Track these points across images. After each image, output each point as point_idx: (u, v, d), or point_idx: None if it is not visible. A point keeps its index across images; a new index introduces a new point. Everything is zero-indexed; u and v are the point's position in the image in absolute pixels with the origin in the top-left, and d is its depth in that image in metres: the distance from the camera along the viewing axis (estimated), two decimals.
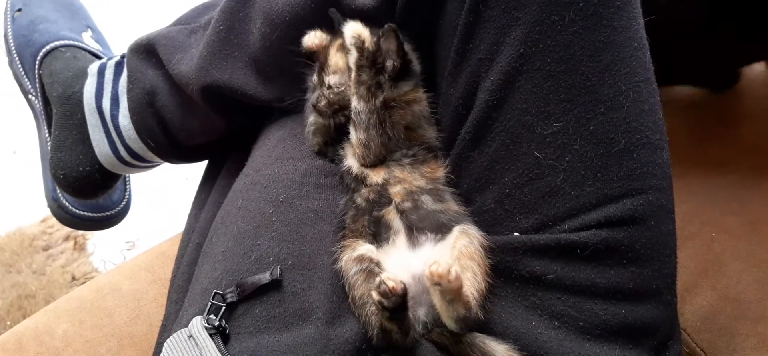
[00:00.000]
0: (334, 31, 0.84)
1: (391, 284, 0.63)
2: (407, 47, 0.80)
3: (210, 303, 0.72)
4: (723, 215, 1.02)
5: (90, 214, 1.23)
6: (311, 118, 0.85)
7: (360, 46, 0.77)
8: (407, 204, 0.76)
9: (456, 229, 0.73)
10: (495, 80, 0.73)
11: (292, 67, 0.85)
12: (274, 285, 0.72)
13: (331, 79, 0.82)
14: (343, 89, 0.81)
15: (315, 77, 0.83)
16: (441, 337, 0.70)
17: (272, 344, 0.68)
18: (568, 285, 0.70)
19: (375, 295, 0.65)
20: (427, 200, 0.76)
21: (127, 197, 1.31)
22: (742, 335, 0.93)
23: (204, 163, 1.12)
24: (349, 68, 0.80)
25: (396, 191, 0.77)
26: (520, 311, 0.71)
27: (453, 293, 0.65)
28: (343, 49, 0.81)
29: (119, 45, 1.17)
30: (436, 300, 0.68)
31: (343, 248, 0.75)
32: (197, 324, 0.69)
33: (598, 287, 0.69)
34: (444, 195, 0.77)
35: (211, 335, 0.68)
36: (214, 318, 0.70)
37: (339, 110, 0.81)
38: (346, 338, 0.69)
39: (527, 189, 0.72)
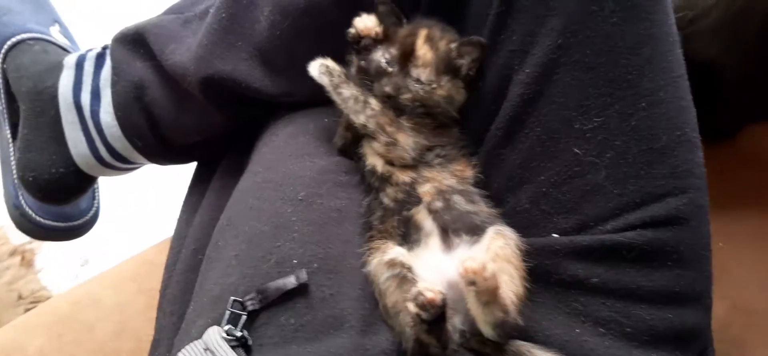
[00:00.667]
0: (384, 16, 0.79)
1: (430, 295, 0.58)
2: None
3: (228, 312, 0.64)
4: (728, 224, 1.01)
5: (56, 223, 1.12)
6: (371, 108, 0.76)
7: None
8: (438, 204, 0.71)
9: (490, 230, 0.68)
10: (530, 73, 0.69)
11: (303, 59, 0.80)
12: (300, 291, 0.65)
13: (423, 74, 0.76)
14: (434, 86, 0.76)
15: (386, 65, 0.77)
16: (481, 346, 0.65)
17: (302, 355, 0.61)
18: (613, 289, 0.66)
19: (412, 307, 0.59)
20: (459, 201, 0.71)
21: (95, 205, 1.21)
22: (755, 345, 0.92)
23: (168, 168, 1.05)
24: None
25: (425, 190, 0.72)
26: (562, 317, 0.67)
27: (489, 294, 0.61)
28: (431, 41, 0.76)
29: (86, 43, 1.09)
30: (472, 303, 0.63)
31: (372, 251, 0.69)
32: (215, 336, 0.62)
33: (645, 290, 0.65)
34: (473, 196, 0.73)
35: (233, 347, 0.61)
36: (234, 328, 0.63)
37: (421, 106, 0.76)
38: (383, 348, 0.63)
39: (566, 188, 0.68)
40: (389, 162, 0.75)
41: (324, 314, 0.64)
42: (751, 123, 1.05)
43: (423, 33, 0.76)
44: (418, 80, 0.75)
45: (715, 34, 0.98)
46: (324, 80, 0.74)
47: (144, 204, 1.90)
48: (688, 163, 0.66)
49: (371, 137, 0.75)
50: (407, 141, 0.74)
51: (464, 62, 0.75)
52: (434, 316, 0.59)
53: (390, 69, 0.76)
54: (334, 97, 0.75)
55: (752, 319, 0.93)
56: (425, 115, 0.76)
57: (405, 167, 0.74)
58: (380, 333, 0.65)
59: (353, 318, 0.65)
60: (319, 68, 0.75)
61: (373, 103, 0.75)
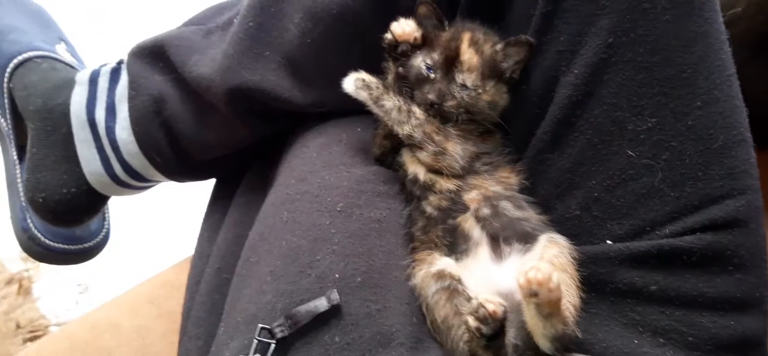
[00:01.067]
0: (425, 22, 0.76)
1: (491, 307, 0.56)
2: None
3: (255, 341, 0.61)
4: None
5: (66, 246, 1.08)
6: (415, 117, 0.73)
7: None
8: (486, 211, 0.68)
9: (543, 238, 0.65)
10: (579, 74, 0.67)
11: (335, 67, 0.77)
12: (335, 311, 0.62)
13: (468, 79, 0.73)
14: (480, 92, 0.73)
15: (424, 70, 0.74)
16: None
17: None
18: (672, 296, 0.63)
19: (472, 321, 0.56)
20: (508, 207, 0.68)
21: (106, 226, 1.17)
22: None
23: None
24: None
25: (471, 197, 0.69)
26: (619, 328, 0.64)
27: (551, 305, 0.57)
28: (475, 44, 0.73)
29: (91, 62, 1.05)
30: (530, 315, 0.59)
31: (417, 263, 0.66)
32: None
33: (706, 297, 0.62)
34: (521, 202, 0.70)
35: None
36: None
37: (465, 112, 0.73)
38: None
39: (619, 192, 0.66)
40: (436, 171, 0.72)
41: (371, 331, 0.61)
42: None
43: (466, 36, 0.73)
44: (463, 86, 0.73)
45: (742, 45, 0.97)
46: (362, 95, 0.71)
47: (143, 228, 1.85)
48: (745, 164, 0.64)
49: (418, 147, 0.72)
50: (456, 149, 0.71)
51: (508, 65, 0.73)
52: (494, 330, 0.56)
53: (432, 75, 0.73)
54: (376, 110, 0.72)
55: None
56: (469, 121, 0.73)
57: (452, 175, 0.72)
58: (430, 349, 0.62)
59: (402, 334, 0.61)
60: (355, 83, 0.72)
61: (417, 112, 0.72)
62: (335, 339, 0.60)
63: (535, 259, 0.64)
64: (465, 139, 0.72)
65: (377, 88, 0.72)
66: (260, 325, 0.61)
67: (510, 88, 0.75)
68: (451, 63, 0.73)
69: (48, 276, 1.84)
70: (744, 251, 0.63)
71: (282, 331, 0.61)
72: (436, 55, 0.73)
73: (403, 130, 0.71)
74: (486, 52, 0.73)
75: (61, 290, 1.84)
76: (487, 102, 0.73)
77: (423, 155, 0.72)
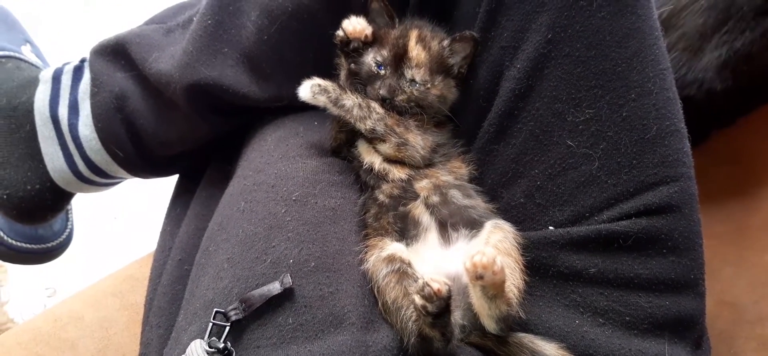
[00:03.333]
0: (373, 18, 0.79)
1: (436, 286, 0.58)
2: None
3: (211, 324, 0.62)
4: (709, 223, 1.03)
5: (29, 245, 1.08)
6: (376, 111, 0.75)
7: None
8: (435, 198, 0.70)
9: (488, 224, 0.68)
10: (521, 68, 0.70)
11: (291, 63, 0.79)
12: (288, 294, 0.64)
13: (417, 74, 0.75)
14: (428, 86, 0.76)
15: (374, 66, 0.76)
16: (482, 340, 0.64)
17: (304, 355, 0.59)
18: (610, 278, 0.66)
19: (418, 300, 0.58)
20: (456, 195, 0.71)
21: (69, 227, 1.17)
22: (742, 338, 0.93)
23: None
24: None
25: (422, 185, 0.72)
26: (561, 310, 0.67)
27: (496, 287, 0.60)
28: (423, 41, 0.76)
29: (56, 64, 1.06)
30: (476, 297, 0.62)
31: (369, 248, 0.68)
32: (197, 350, 0.60)
33: (642, 278, 0.66)
34: (470, 191, 0.72)
35: None
36: (217, 339, 0.61)
37: (416, 106, 0.76)
38: (384, 344, 0.62)
39: (560, 180, 0.69)
40: (397, 161, 0.74)
41: (323, 312, 0.63)
42: (718, 129, 1.07)
43: (414, 33, 0.76)
44: (412, 81, 0.75)
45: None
46: (321, 100, 0.73)
47: (109, 231, 1.85)
48: (678, 152, 0.68)
49: (380, 139, 0.74)
50: (417, 140, 0.74)
51: (456, 60, 0.76)
52: (440, 308, 0.58)
53: (382, 72, 0.76)
54: (337, 111, 0.74)
55: (738, 313, 0.94)
56: (422, 114, 0.75)
57: (413, 165, 0.74)
58: (381, 329, 0.64)
59: (353, 315, 0.63)
60: (311, 90, 0.73)
61: (377, 106, 0.74)
62: (289, 320, 0.62)
63: (481, 244, 0.66)
64: (424, 130, 0.75)
65: (334, 90, 0.73)
66: (215, 309, 0.63)
67: (459, 82, 0.77)
68: (400, 59, 0.75)
69: (16, 281, 1.83)
70: (678, 235, 0.66)
71: (236, 314, 0.62)
72: (385, 52, 0.76)
73: (366, 125, 0.73)
74: (433, 49, 0.75)
75: (29, 293, 1.83)
76: (436, 96, 0.76)
77: (385, 147, 0.75)
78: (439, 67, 0.76)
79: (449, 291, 0.59)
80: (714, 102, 0.95)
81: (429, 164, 0.74)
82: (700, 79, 0.94)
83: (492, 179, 0.73)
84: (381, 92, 0.75)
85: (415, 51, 0.75)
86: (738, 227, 1.01)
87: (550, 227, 0.69)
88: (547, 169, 0.69)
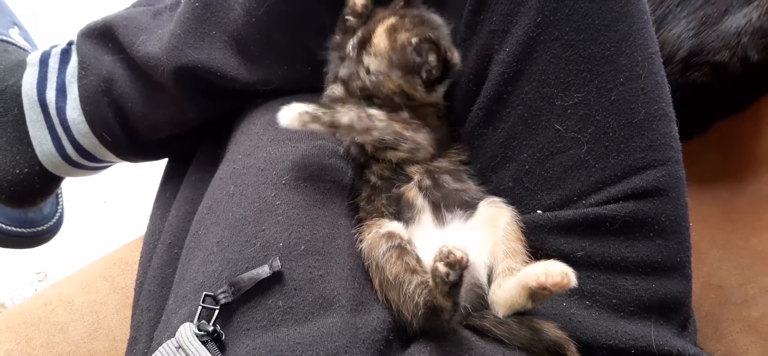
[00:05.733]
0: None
1: (459, 253, 0.57)
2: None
3: (200, 307, 0.63)
4: (697, 206, 1.04)
5: (19, 229, 1.08)
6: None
7: None
8: (427, 181, 0.71)
9: (482, 204, 0.69)
10: (510, 51, 0.70)
11: (280, 46, 0.78)
12: (278, 277, 0.64)
13: (372, 63, 0.74)
14: (382, 78, 0.74)
15: (351, 50, 0.75)
16: (482, 321, 0.65)
17: (294, 337, 0.60)
18: (597, 261, 0.67)
19: (442, 267, 0.57)
20: (448, 180, 0.71)
21: (59, 211, 1.17)
22: (728, 320, 0.94)
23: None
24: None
25: (414, 168, 0.72)
26: None
27: (548, 295, 0.60)
28: (392, 31, 0.73)
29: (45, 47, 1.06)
30: (514, 295, 0.62)
31: (365, 229, 0.68)
32: (186, 333, 0.60)
33: (628, 262, 0.66)
34: (462, 176, 0.73)
35: (204, 342, 0.60)
36: (207, 323, 0.62)
37: (371, 96, 0.75)
38: (374, 326, 0.63)
39: (549, 164, 0.69)
40: (414, 162, 0.73)
41: (313, 295, 0.63)
42: (718, 121, 1.08)
43: (388, 21, 0.74)
44: (367, 69, 0.74)
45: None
46: (314, 127, 0.69)
47: (101, 215, 1.85)
48: (666, 136, 0.68)
49: (391, 147, 0.72)
50: (426, 138, 0.73)
51: (421, 60, 0.71)
52: (458, 277, 0.57)
53: (351, 54, 0.75)
54: (336, 132, 0.71)
55: (724, 296, 0.95)
56: (416, 108, 0.74)
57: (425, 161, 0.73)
58: (371, 311, 0.65)
59: (343, 297, 0.64)
60: (300, 119, 0.68)
61: (376, 113, 0.72)
62: (278, 303, 0.62)
63: (481, 224, 0.67)
64: (425, 125, 0.74)
65: (324, 112, 0.69)
66: (205, 293, 0.63)
67: (432, 85, 0.74)
68: (363, 44, 0.74)
69: (6, 265, 1.83)
70: (665, 218, 0.67)
71: (226, 297, 0.63)
72: (360, 34, 0.75)
73: (373, 136, 0.71)
74: (398, 41, 0.73)
75: (19, 278, 1.82)
76: (391, 90, 0.74)
77: (396, 153, 0.73)
78: (401, 62, 0.73)
79: (468, 259, 0.58)
80: (749, 71, 0.92)
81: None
82: (733, 45, 0.92)
83: (481, 163, 0.74)
84: (341, 73, 0.74)
85: (378, 39, 0.73)
86: (725, 210, 1.02)
87: (538, 211, 0.69)
88: (535, 153, 0.70)
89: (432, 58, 0.71)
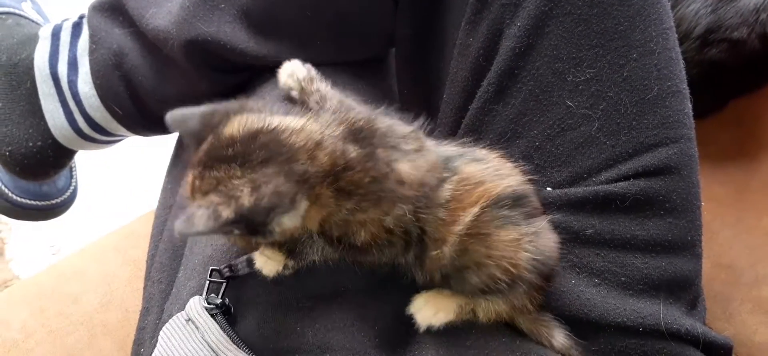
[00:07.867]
0: None
1: None
2: None
3: (207, 282, 0.63)
4: (709, 185, 1.03)
5: (34, 202, 1.09)
6: None
7: None
8: None
9: None
10: (522, 26, 0.69)
11: (289, 23, 0.78)
12: None
13: None
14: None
15: None
16: None
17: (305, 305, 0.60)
18: (607, 239, 0.66)
19: None
20: None
21: (73, 184, 1.18)
22: (738, 300, 0.94)
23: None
24: None
25: None
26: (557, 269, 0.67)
27: None
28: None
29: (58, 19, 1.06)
30: None
31: None
32: (195, 306, 0.61)
33: (638, 239, 0.66)
34: None
35: (213, 315, 0.60)
36: (216, 296, 0.62)
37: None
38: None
39: (559, 141, 0.68)
40: None
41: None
42: (734, 99, 1.06)
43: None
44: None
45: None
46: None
47: (112, 188, 1.86)
48: (679, 113, 0.67)
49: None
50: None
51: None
52: None
53: None
54: None
55: (734, 276, 0.95)
56: None
57: None
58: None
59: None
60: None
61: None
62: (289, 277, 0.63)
63: None
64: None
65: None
66: (212, 267, 0.64)
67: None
68: None
69: (20, 238, 1.85)
70: (676, 197, 0.66)
71: (229, 273, 0.63)
72: None
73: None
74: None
75: (33, 251, 1.85)
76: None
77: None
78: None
79: None
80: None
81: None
82: (751, 21, 0.91)
83: (490, 139, 0.73)
84: None
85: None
86: (737, 189, 1.01)
87: (548, 188, 0.69)
88: (546, 130, 0.69)
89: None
